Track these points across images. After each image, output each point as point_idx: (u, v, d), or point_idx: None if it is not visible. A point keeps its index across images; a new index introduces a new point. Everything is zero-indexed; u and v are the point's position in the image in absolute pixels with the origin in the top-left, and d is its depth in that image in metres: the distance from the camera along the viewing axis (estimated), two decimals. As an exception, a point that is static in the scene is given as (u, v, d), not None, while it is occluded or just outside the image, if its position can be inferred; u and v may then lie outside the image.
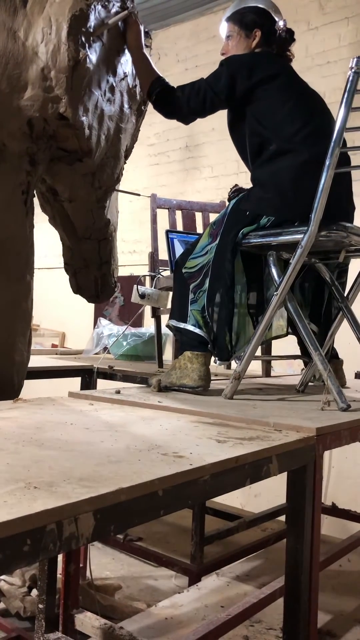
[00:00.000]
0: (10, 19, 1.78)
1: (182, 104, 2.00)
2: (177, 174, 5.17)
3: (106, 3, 1.94)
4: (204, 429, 1.29)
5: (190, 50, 5.20)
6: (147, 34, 2.18)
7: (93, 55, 1.88)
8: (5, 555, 0.66)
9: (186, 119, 2.07)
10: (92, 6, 1.84)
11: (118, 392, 1.84)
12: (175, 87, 2.03)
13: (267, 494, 3.87)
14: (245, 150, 2.03)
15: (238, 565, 2.54)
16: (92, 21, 1.85)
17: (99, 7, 1.89)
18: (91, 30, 1.85)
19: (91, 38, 1.86)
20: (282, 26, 2.08)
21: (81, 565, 3.18)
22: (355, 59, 1.67)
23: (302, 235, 1.77)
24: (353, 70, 1.68)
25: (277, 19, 2.10)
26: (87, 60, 1.83)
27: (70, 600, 1.78)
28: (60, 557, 1.75)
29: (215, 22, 4.76)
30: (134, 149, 2.33)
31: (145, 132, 5.91)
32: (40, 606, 1.70)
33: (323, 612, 2.17)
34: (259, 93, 1.94)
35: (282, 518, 2.98)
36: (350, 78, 1.68)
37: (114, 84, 2.05)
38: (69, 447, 1.04)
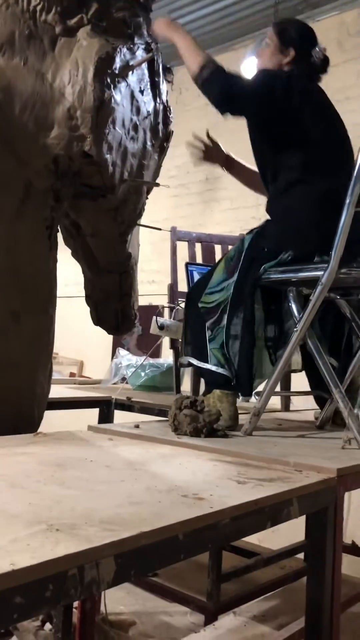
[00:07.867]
0: (39, 62, 1.85)
1: (232, 82, 1.88)
2: (197, 205, 5.23)
3: (131, 45, 2.00)
4: (223, 469, 1.28)
5: (211, 86, 5.29)
6: (169, 69, 2.23)
7: (118, 96, 1.93)
8: (28, 600, 0.66)
9: (232, 102, 1.89)
10: (118, 49, 1.90)
11: (137, 426, 1.84)
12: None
13: (285, 529, 3.79)
14: (265, 172, 2.02)
15: (255, 605, 2.48)
16: (117, 63, 1.90)
17: (124, 49, 1.95)
18: (116, 71, 1.91)
19: (116, 79, 1.91)
20: (319, 53, 2.03)
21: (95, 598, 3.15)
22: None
23: (322, 272, 1.77)
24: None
25: (317, 42, 2.05)
26: (112, 100, 1.89)
27: (86, 638, 1.76)
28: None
29: (235, 59, 4.86)
30: (155, 181, 2.36)
31: (166, 165, 5.99)
32: (56, 644, 1.68)
33: (343, 657, 2.11)
34: (290, 115, 1.88)
35: (301, 556, 2.92)
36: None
37: (138, 123, 2.10)
38: (90, 486, 1.04)
